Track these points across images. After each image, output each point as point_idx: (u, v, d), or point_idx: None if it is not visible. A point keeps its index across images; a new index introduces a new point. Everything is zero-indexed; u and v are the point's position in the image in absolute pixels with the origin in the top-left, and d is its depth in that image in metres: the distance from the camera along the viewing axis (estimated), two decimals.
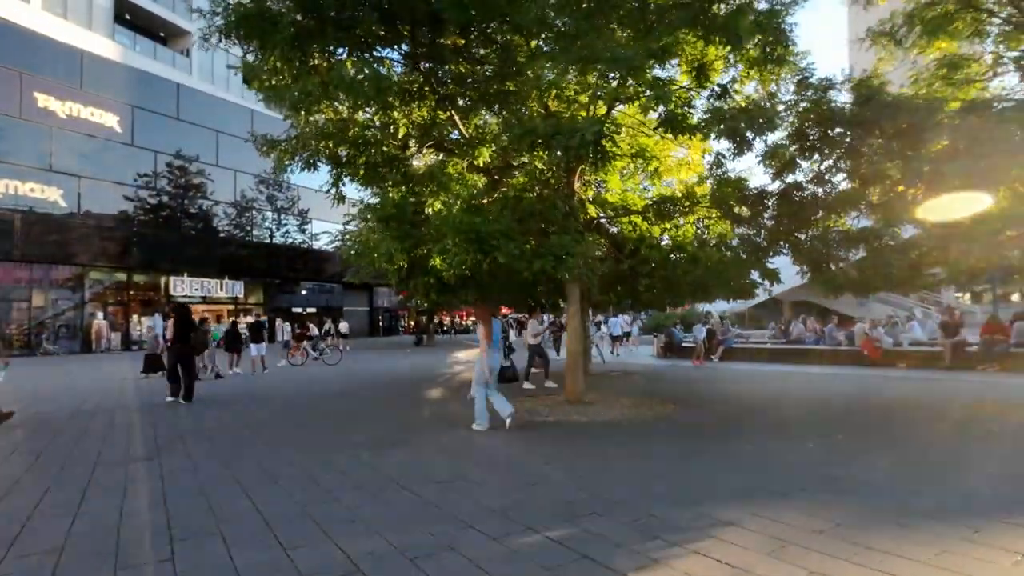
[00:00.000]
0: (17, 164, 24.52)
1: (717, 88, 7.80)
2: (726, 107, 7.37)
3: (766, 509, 4.06)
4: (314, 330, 19.71)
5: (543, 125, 6.34)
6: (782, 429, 7.36)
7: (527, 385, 11.44)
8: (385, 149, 7.99)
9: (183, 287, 30.33)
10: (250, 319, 23.28)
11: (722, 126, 6.92)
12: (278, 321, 28.77)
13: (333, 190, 8.40)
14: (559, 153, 6.36)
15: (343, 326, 28.08)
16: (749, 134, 7.01)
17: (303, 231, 36.93)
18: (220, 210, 32.20)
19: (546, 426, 7.70)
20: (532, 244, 7.35)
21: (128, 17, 30.47)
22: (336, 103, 7.66)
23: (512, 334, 21.98)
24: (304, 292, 37.49)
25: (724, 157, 9.38)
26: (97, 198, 27.03)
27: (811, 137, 8.46)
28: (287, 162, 8.22)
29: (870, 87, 8.32)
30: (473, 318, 45.84)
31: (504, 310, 36.85)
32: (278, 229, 35.63)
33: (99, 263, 27.48)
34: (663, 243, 10.42)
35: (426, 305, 34.95)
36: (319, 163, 8.24)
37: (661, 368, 16.52)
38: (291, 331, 20.97)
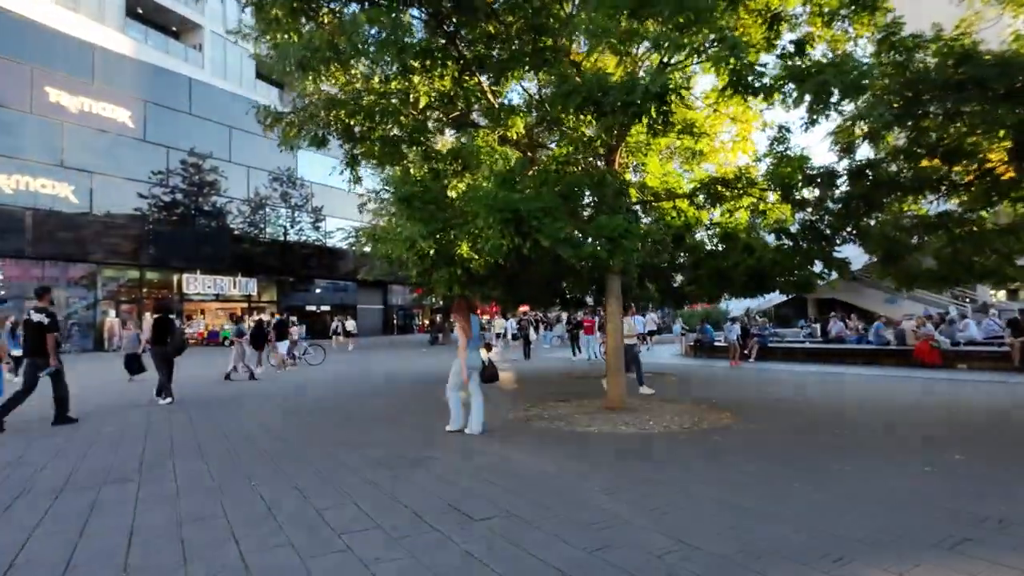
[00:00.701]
0: (28, 160, 23.80)
1: (790, 45, 6.60)
2: (803, 65, 6.16)
3: (939, 571, 2.90)
4: (295, 332, 17.45)
5: (593, 80, 5.20)
6: (874, 446, 6.15)
7: (646, 390, 10.10)
8: (404, 121, 6.89)
9: (196, 285, 29.55)
10: (264, 317, 22.31)
11: (805, 84, 5.71)
12: (292, 320, 27.83)
13: (347, 171, 7.29)
14: (612, 114, 5.20)
15: (350, 324, 27.06)
16: (836, 94, 5.79)
17: (317, 228, 36.05)
18: (233, 207, 31.37)
19: (591, 439, 6.56)
20: (576, 226, 6.21)
21: (140, 11, 29.70)
22: (348, 65, 6.56)
23: (531, 333, 20.85)
24: (319, 290, 36.64)
25: (788, 131, 8.19)
26: (109, 194, 26.26)
27: (895, 105, 7.21)
28: (293, 137, 7.13)
29: (963, 46, 7.07)
30: (474, 313, 44.93)
31: (523, 308, 35.64)
32: (292, 226, 34.78)
33: (111, 260, 26.75)
34: (711, 231, 9.22)
35: (442, 303, 34.04)
36: (329, 137, 7.15)
37: (694, 369, 15.29)
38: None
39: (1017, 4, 8.20)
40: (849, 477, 4.82)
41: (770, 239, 9.09)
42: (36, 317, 7.14)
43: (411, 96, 6.84)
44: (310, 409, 9.07)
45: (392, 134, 6.86)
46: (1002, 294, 35.47)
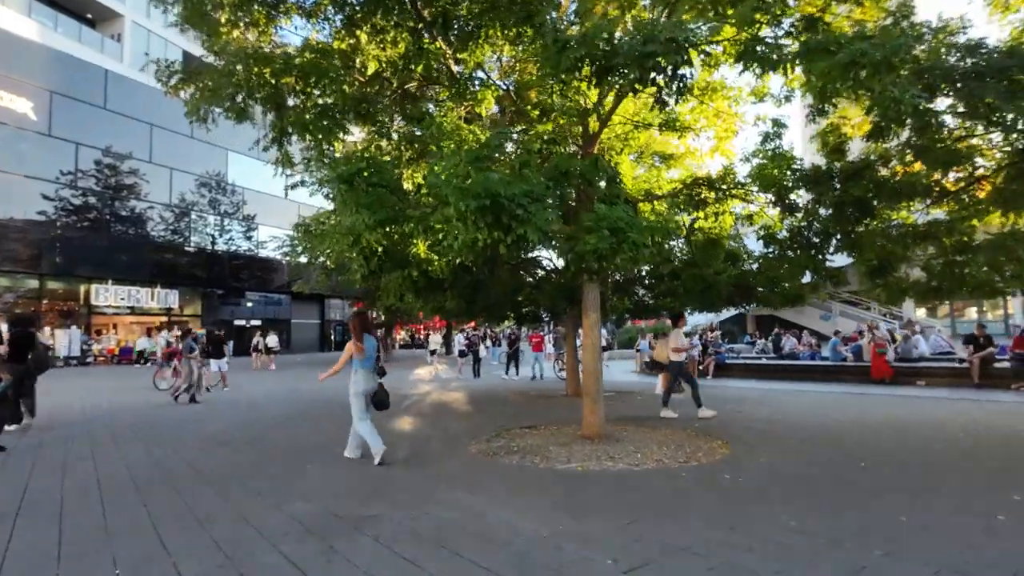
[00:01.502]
0: None
1: (799, 18, 5.71)
2: (825, 38, 5.26)
3: None
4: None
5: (598, 29, 4.05)
6: (905, 481, 5.19)
7: (668, 413, 8.90)
8: (347, 88, 5.51)
9: (107, 296, 26.40)
10: (179, 332, 19.74)
11: (833, 55, 4.77)
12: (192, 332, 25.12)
13: (274, 149, 5.79)
14: (619, 72, 4.06)
15: (271, 340, 24.17)
16: (863, 73, 4.88)
17: (249, 238, 33.34)
18: (153, 212, 28.39)
19: (576, 480, 5.30)
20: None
21: None
22: (275, 18, 5.14)
23: (481, 349, 19.37)
24: (250, 304, 33.82)
25: (783, 126, 7.34)
26: (4, 193, 22.99)
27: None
28: (205, 100, 5.58)
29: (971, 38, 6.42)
30: (431, 330, 42.96)
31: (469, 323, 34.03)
32: (221, 235, 31.96)
33: (5, 268, 23.36)
34: (692, 236, 8.26)
35: (384, 317, 32.04)
36: (251, 104, 5.64)
37: (653, 386, 14.36)
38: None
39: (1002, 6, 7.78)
40: (923, 533, 3.77)
41: (755, 247, 8.21)
42: None
43: (358, 60, 5.49)
44: (223, 441, 7.35)
45: (332, 103, 5.47)
46: (922, 311, 37.15)
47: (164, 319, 28.89)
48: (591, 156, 5.51)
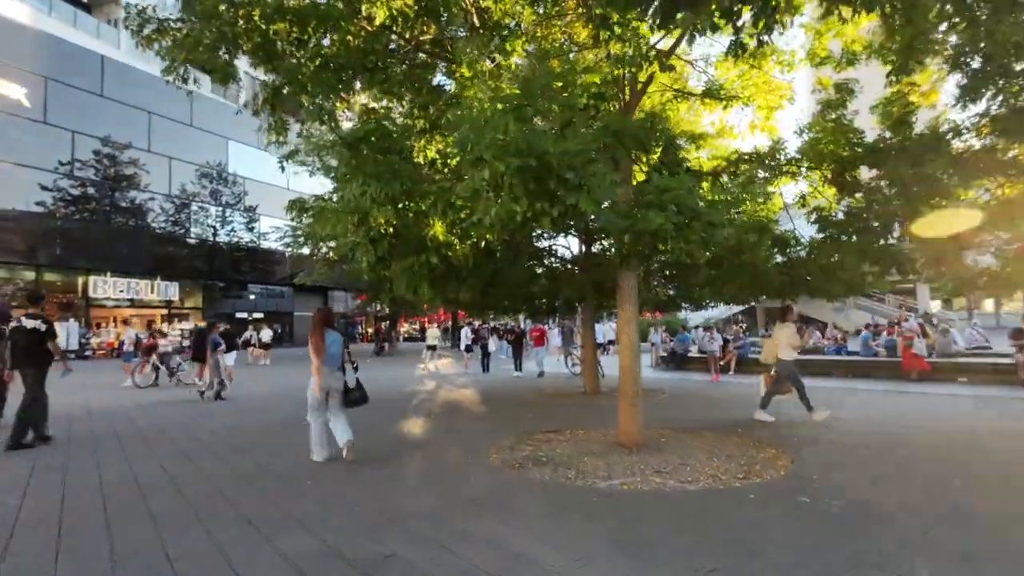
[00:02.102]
0: None
1: None
2: None
3: None
4: (166, 342, 14.19)
5: None
6: None
7: (764, 417, 7.80)
8: (351, 37, 4.60)
9: (106, 288, 25.58)
10: (187, 327, 18.98)
11: None
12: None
13: (266, 114, 4.88)
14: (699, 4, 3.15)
15: (265, 334, 22.84)
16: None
17: (251, 229, 32.43)
18: (153, 202, 27.49)
19: (621, 501, 4.43)
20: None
21: None
22: None
23: (490, 343, 18.40)
24: (252, 297, 32.99)
25: (851, 92, 6.40)
26: None
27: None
28: (184, 58, 4.67)
29: None
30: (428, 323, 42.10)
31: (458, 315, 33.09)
32: (222, 226, 31.05)
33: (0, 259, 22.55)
34: (735, 219, 7.33)
35: (388, 309, 31.17)
36: (236, 56, 4.73)
37: (674, 383, 13.47)
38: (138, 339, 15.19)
39: None
40: None
41: (805, 231, 7.30)
42: (31, 324, 6.42)
43: (363, 6, 4.58)
44: (214, 451, 6.49)
45: (333, 53, 4.56)
46: (937, 304, 36.18)
47: (164, 312, 28.09)
48: (642, 117, 4.62)
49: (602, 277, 7.22)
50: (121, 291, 26.08)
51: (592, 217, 3.84)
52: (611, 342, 21.97)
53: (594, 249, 9.77)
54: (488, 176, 3.33)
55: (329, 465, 5.64)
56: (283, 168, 5.72)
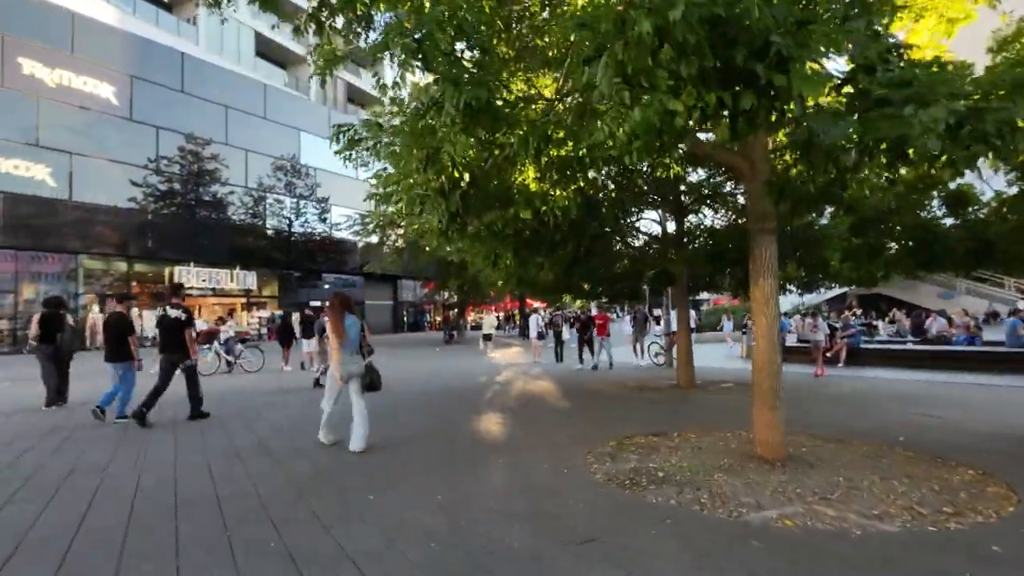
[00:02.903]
0: None
1: None
2: None
3: None
4: (229, 328, 13.86)
5: None
6: None
7: None
8: None
9: (190, 277, 26.24)
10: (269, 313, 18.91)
11: None
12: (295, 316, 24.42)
13: (312, 31, 3.82)
14: None
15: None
16: None
17: (323, 220, 32.61)
18: (230, 193, 27.98)
19: (793, 546, 3.09)
20: None
21: None
22: None
23: (564, 331, 17.08)
24: (326, 286, 33.28)
25: None
26: (91, 178, 22.91)
27: None
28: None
29: None
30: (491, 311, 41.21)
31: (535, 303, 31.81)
32: (296, 217, 31.37)
33: (95, 251, 23.43)
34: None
35: (456, 297, 30.47)
36: None
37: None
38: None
39: None
40: None
41: (987, 187, 5.56)
42: (173, 313, 7.02)
43: None
44: (275, 450, 5.63)
45: None
46: None
47: (243, 300, 28.68)
48: None
49: (724, 247, 5.80)
50: (204, 280, 26.70)
51: (791, 117, 2.50)
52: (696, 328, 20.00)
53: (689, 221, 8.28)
54: (648, 30, 2.04)
55: (397, 471, 4.61)
56: (323, 82, 4.59)
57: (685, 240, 9.25)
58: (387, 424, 6.62)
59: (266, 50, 33.19)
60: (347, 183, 32.26)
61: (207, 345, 12.78)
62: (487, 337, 19.16)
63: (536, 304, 33.07)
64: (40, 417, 7.37)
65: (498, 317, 42.57)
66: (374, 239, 27.78)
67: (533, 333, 16.54)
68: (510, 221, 3.85)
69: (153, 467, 4.91)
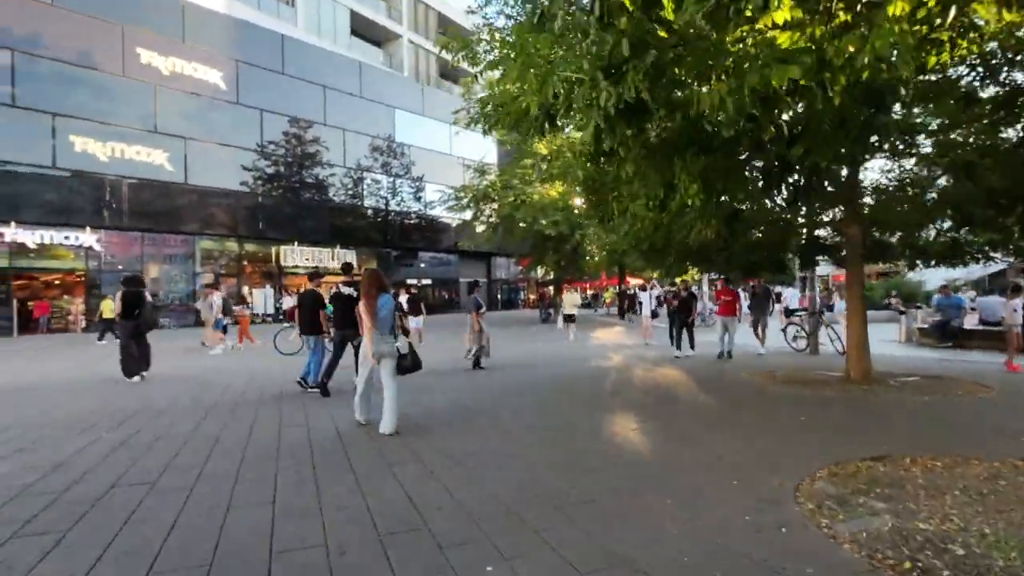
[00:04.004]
0: (121, 125, 21.45)
1: None
2: None
3: None
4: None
5: None
6: None
7: None
8: None
9: (294, 256, 26.73)
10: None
11: None
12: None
13: None
14: None
15: (403, 298, 20.37)
16: None
17: (418, 198, 32.18)
18: (329, 173, 28.09)
19: None
20: None
21: None
22: None
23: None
24: (422, 264, 33.05)
25: None
26: (203, 161, 23.59)
27: None
28: None
29: None
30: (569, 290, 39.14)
31: (629, 279, 29.20)
32: (393, 196, 31.14)
33: (209, 232, 24.29)
34: None
35: (552, 273, 28.77)
36: None
37: (946, 367, 9.10)
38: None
39: None
40: None
41: None
42: (346, 291, 7.25)
43: None
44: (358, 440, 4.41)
45: None
46: None
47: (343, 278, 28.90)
48: None
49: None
50: (307, 259, 27.09)
51: None
52: (794, 311, 16.33)
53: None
54: None
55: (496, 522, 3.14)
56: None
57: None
58: (489, 432, 5.20)
59: (360, 28, 32.97)
60: (441, 159, 31.54)
61: None
62: (569, 318, 16.41)
63: (632, 281, 30.70)
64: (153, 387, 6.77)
65: (595, 295, 40.47)
66: (467, 215, 26.76)
67: (647, 311, 14.57)
68: (686, 127, 2.20)
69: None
